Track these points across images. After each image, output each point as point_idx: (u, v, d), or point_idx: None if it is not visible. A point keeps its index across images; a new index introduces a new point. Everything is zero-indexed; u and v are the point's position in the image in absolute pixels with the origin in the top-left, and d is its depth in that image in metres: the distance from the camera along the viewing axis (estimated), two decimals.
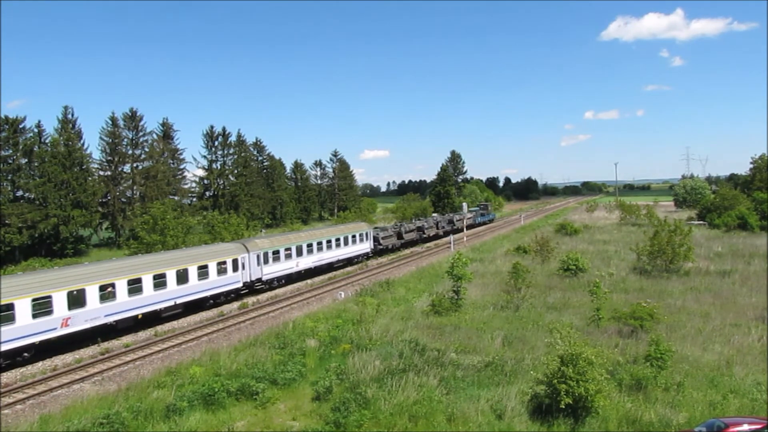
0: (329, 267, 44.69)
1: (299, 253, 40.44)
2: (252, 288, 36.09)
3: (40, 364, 23.30)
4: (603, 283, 28.84)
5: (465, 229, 73.50)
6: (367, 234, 50.46)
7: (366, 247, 50.13)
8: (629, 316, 24.09)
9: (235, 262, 33.94)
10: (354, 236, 48.00)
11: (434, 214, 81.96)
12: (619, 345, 22.10)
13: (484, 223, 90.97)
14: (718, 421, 14.05)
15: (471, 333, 24.57)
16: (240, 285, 34.51)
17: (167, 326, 29.15)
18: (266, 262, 36.74)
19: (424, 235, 65.43)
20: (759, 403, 16.64)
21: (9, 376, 21.79)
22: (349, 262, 47.76)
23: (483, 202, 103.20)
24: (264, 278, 36.72)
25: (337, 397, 17.67)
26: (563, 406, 15.54)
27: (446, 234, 70.70)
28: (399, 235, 58.71)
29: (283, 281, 39.04)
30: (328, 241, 44.19)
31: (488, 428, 15.71)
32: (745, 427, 13.63)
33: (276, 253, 37.81)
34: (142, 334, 27.82)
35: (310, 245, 41.74)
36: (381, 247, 53.68)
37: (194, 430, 16.22)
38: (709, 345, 22.24)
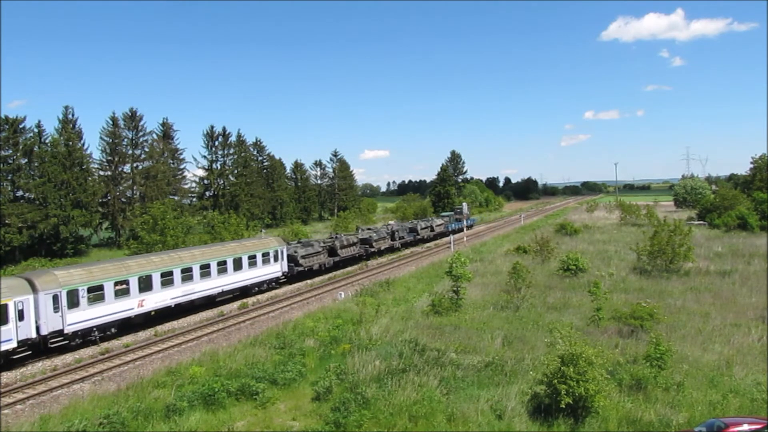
0: (208, 301, 32.70)
1: (146, 285, 28.18)
2: (45, 347, 24.09)
3: (40, 364, 23.30)
4: (603, 283, 28.87)
5: (429, 240, 64.70)
6: (278, 253, 38.11)
7: (274, 270, 37.65)
8: (629, 316, 24.10)
9: None
10: (253, 256, 35.57)
11: (391, 222, 69.00)
12: (619, 345, 22.11)
13: (461, 229, 76.90)
14: (718, 421, 14.06)
15: (471, 333, 24.57)
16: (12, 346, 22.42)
17: (167, 326, 29.15)
18: (74, 304, 24.74)
19: (372, 249, 52.11)
20: (759, 403, 16.64)
21: (9, 376, 21.79)
22: (244, 292, 35.52)
23: (459, 207, 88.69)
24: (68, 329, 24.48)
25: (337, 397, 17.66)
26: (563, 406, 15.54)
27: (405, 246, 60.22)
28: (332, 251, 45.79)
29: (114, 330, 26.69)
30: (205, 267, 31.79)
31: (488, 428, 15.70)
32: (745, 427, 13.63)
33: (95, 289, 25.66)
34: (142, 334, 27.81)
35: (168, 274, 29.46)
36: (301, 269, 40.62)
37: (194, 430, 16.21)
38: (709, 345, 22.24)
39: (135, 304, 27.67)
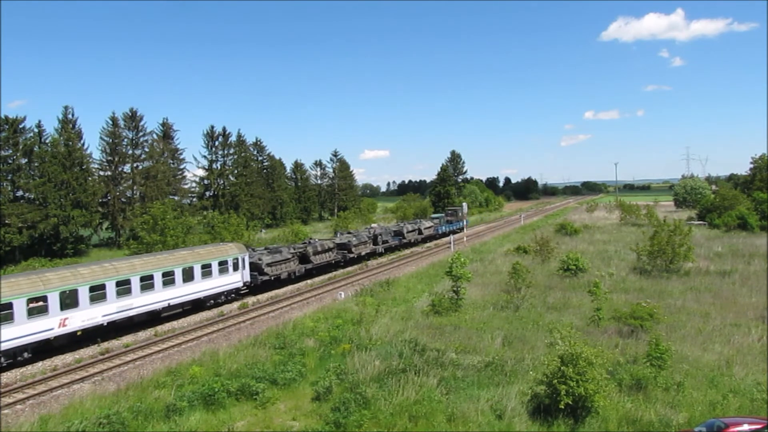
0: (151, 317, 28.96)
1: (71, 302, 24.35)
2: None
3: (40, 364, 23.29)
4: (603, 283, 28.85)
5: (416, 244, 60.51)
6: (238, 261, 33.89)
7: (233, 280, 33.59)
8: (629, 316, 24.10)
9: None
10: (207, 265, 31.56)
11: (374, 224, 63.80)
12: (619, 345, 22.10)
13: (454, 232, 73.24)
14: (718, 421, 14.06)
15: (471, 333, 24.56)
16: None
17: (167, 326, 29.15)
18: None
19: (351, 255, 47.78)
20: (759, 403, 16.64)
21: (9, 376, 21.78)
22: (197, 306, 31.75)
23: (452, 207, 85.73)
24: None
25: (337, 397, 17.66)
26: (563, 406, 15.55)
27: (390, 251, 56.21)
28: (304, 258, 41.68)
29: (27, 354, 22.86)
30: (147, 278, 27.98)
31: (488, 428, 15.71)
32: (745, 427, 13.63)
33: (2, 308, 21.81)
34: (142, 334, 27.81)
35: (99, 287, 25.62)
36: (266, 278, 36.72)
37: (194, 430, 16.22)
38: (709, 345, 22.24)
39: (55, 324, 23.75)
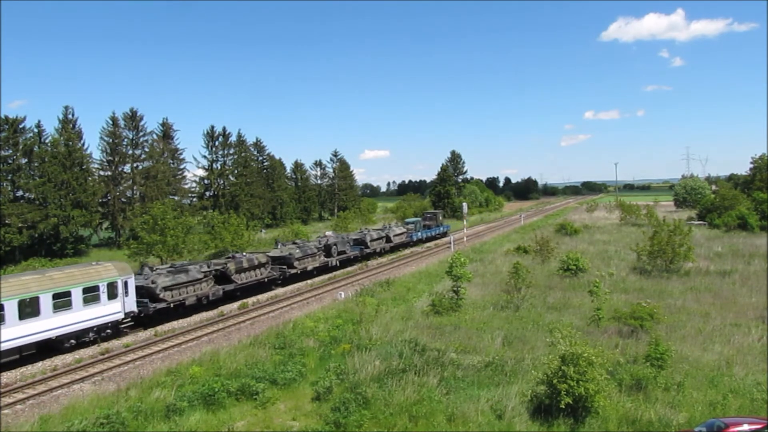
0: None
1: None
2: None
3: (40, 364, 23.29)
4: (603, 283, 28.82)
5: (383, 254, 52.96)
6: (116, 286, 26.18)
7: (108, 312, 25.88)
8: (629, 316, 24.08)
9: None
10: (65, 294, 23.90)
11: (328, 232, 54.25)
12: (619, 345, 22.09)
13: (433, 238, 66.85)
14: (718, 421, 14.05)
15: (471, 333, 24.56)
16: None
17: (167, 326, 29.14)
18: None
19: (292, 271, 39.53)
20: (759, 403, 16.64)
21: (9, 376, 21.78)
22: (51, 348, 24.02)
23: (430, 211, 76.31)
24: None
25: (337, 397, 17.66)
26: (563, 406, 15.54)
27: (349, 262, 47.82)
28: (222, 278, 33.67)
29: None
30: None
31: (488, 428, 15.70)
32: (745, 427, 13.62)
33: None
34: (142, 334, 27.81)
35: None
36: (163, 305, 29.03)
37: (194, 430, 16.22)
38: (709, 345, 22.23)
39: None
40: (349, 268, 47.28)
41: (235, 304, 33.87)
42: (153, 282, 29.00)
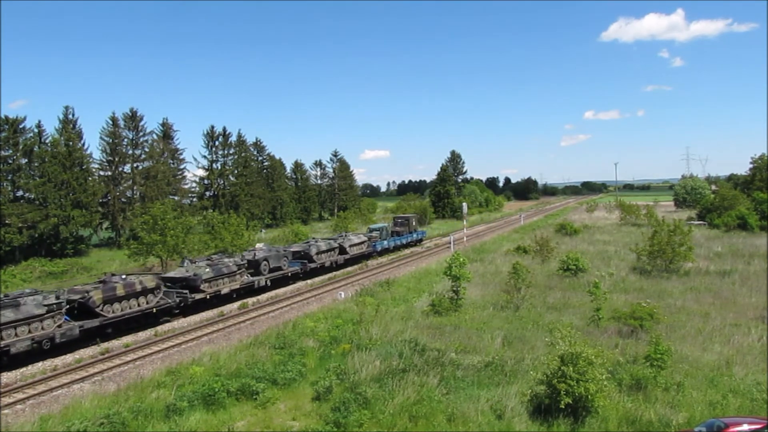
0: None
1: None
2: None
3: (40, 364, 23.30)
4: (603, 283, 28.84)
5: (336, 268, 45.16)
6: None
7: None
8: (629, 316, 24.09)
9: None
10: None
11: (259, 245, 43.73)
12: (619, 345, 22.10)
13: (405, 246, 59.32)
14: (718, 421, 14.05)
15: (471, 333, 24.57)
16: None
17: (167, 326, 29.15)
18: None
19: (196, 297, 31.29)
20: (759, 403, 16.64)
21: (9, 376, 21.79)
22: None
23: (401, 216, 65.63)
24: None
25: (337, 397, 17.67)
26: (563, 406, 15.55)
27: (285, 280, 39.88)
28: (82, 311, 25.87)
29: None
30: None
31: (488, 428, 15.71)
32: (745, 427, 13.63)
33: None
34: (142, 334, 27.81)
35: None
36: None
37: (194, 430, 16.22)
38: (709, 345, 22.24)
39: None
40: (349, 268, 47.20)
41: (235, 304, 33.84)
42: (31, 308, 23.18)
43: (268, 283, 37.69)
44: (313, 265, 42.61)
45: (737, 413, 15.92)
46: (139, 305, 28.26)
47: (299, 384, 19.56)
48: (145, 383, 19.65)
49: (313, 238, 48.97)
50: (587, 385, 15.47)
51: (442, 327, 25.79)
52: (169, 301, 29.98)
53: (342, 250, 47.13)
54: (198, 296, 31.67)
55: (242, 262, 35.85)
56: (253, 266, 37.06)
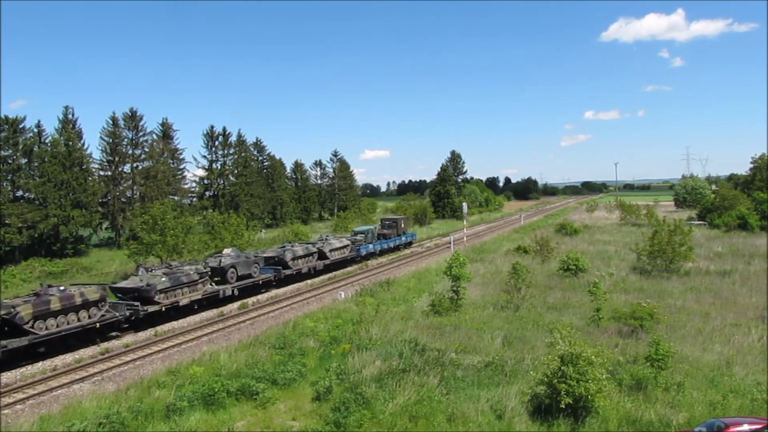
0: None
1: None
2: None
3: (40, 364, 23.30)
4: (603, 283, 28.84)
5: (313, 275, 42.10)
6: None
7: None
8: (629, 316, 24.09)
9: None
10: None
11: (227, 250, 37.90)
12: (619, 345, 22.11)
13: (392, 250, 56.46)
14: (718, 421, 14.05)
15: (471, 333, 24.57)
16: None
17: (167, 326, 29.14)
18: None
19: (152, 309, 28.38)
20: (759, 403, 16.64)
21: (9, 376, 21.79)
22: None
23: (390, 218, 62.77)
24: None
25: (337, 397, 17.67)
26: (563, 406, 15.55)
27: (254, 290, 36.70)
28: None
29: None
30: None
31: (488, 428, 15.71)
32: (745, 427, 13.63)
33: None
34: (142, 335, 27.81)
35: None
36: None
37: (194, 430, 16.22)
38: (709, 345, 22.24)
39: None
40: (349, 268, 47.18)
41: (235, 304, 33.86)
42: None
43: (236, 292, 34.38)
44: (288, 272, 39.43)
45: (737, 413, 15.91)
46: (79, 320, 25.11)
47: (299, 384, 19.56)
48: (145, 383, 19.66)
49: (290, 242, 46.02)
50: (587, 385, 15.47)
51: (442, 327, 25.79)
52: (117, 314, 26.67)
53: (321, 255, 43.82)
54: (152, 308, 28.43)
55: (205, 270, 32.89)
56: (219, 274, 34.11)
